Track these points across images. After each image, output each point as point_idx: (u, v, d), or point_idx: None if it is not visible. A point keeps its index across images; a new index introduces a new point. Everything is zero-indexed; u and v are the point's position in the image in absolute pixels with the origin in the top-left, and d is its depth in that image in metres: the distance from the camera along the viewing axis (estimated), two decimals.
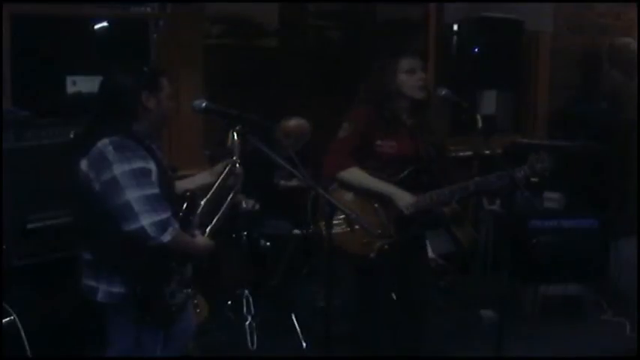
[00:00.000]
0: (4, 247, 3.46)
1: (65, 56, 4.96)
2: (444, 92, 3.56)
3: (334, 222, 3.35)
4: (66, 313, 3.52)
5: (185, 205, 2.90)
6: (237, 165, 3.01)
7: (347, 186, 3.59)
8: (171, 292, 2.81)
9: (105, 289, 2.77)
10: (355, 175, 3.57)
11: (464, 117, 3.68)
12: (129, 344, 2.87)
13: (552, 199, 5.31)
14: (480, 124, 3.49)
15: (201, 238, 2.92)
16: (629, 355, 4.37)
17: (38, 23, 4.83)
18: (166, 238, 2.66)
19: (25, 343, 3.41)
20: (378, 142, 3.58)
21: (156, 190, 2.68)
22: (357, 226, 3.51)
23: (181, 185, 3.09)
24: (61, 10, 4.80)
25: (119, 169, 2.64)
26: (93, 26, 5.23)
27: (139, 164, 2.67)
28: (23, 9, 4.51)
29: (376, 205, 3.58)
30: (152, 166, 2.72)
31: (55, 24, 4.96)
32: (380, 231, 3.54)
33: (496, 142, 4.70)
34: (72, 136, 3.59)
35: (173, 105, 2.95)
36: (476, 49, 5.54)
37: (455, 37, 5.67)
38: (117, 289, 2.76)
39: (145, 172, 2.68)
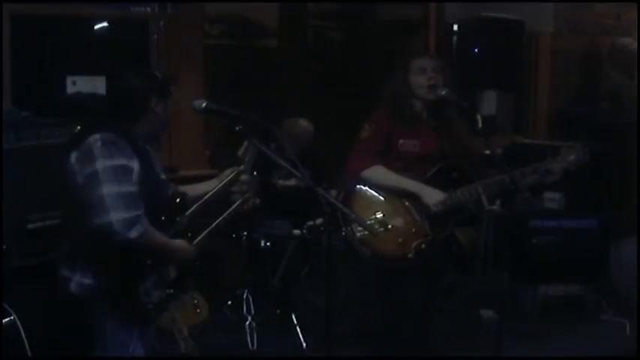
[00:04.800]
0: (4, 247, 3.46)
1: (65, 56, 4.97)
2: (444, 92, 3.57)
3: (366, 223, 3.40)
4: (66, 313, 3.52)
5: (173, 205, 2.97)
6: (245, 174, 3.06)
7: (373, 185, 3.58)
8: (145, 290, 2.84)
9: (78, 281, 2.82)
10: (380, 173, 3.56)
11: (464, 117, 3.67)
12: (106, 337, 2.90)
13: (552, 199, 5.31)
14: (479, 124, 3.49)
15: (180, 242, 2.92)
16: (629, 355, 4.37)
17: (38, 23, 4.84)
18: (132, 234, 2.69)
19: (25, 343, 3.41)
20: (401, 142, 3.58)
21: (132, 189, 2.72)
22: (390, 226, 3.51)
23: (189, 189, 3.14)
24: (61, 10, 4.81)
25: (101, 164, 2.69)
26: (93, 26, 5.24)
27: (121, 161, 2.72)
28: (23, 9, 4.52)
29: (407, 204, 3.57)
30: (135, 165, 2.76)
31: (55, 24, 4.97)
32: (414, 229, 3.54)
33: (496, 142, 4.70)
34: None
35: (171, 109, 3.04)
36: (476, 49, 5.54)
37: (455, 37, 5.67)
38: (88, 281, 2.81)
39: (125, 170, 2.72)
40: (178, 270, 2.98)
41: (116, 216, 2.66)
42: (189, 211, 3.01)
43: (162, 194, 3.00)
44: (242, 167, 3.07)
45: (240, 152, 3.05)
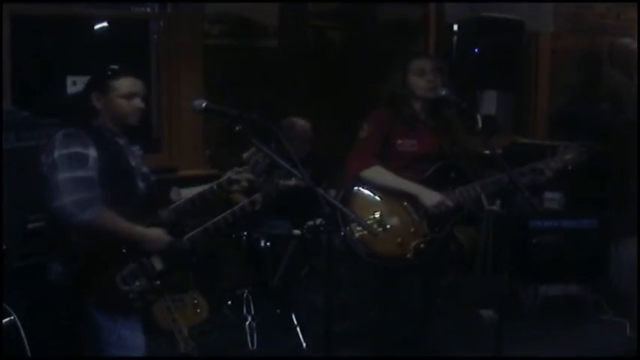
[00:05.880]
0: (4, 247, 3.46)
1: (65, 56, 4.97)
2: (444, 92, 3.57)
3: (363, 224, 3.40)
4: (66, 313, 3.52)
5: (152, 199, 3.09)
6: (242, 173, 3.09)
7: (372, 185, 3.59)
8: (123, 278, 2.91)
9: (55, 269, 2.95)
10: (379, 173, 3.58)
11: (464, 117, 3.68)
12: (93, 325, 2.96)
13: (552, 199, 5.31)
14: (479, 124, 3.49)
15: (149, 230, 2.99)
16: (629, 355, 4.37)
17: (38, 23, 4.84)
18: (86, 216, 2.82)
19: (25, 343, 3.41)
20: (399, 142, 3.60)
21: (85, 174, 2.86)
22: (389, 226, 3.51)
23: (190, 192, 3.18)
24: (61, 10, 4.81)
25: (57, 153, 2.88)
26: (93, 26, 5.23)
27: (75, 149, 2.87)
28: (23, 9, 4.52)
29: (406, 204, 3.58)
30: (91, 152, 2.90)
31: (55, 24, 4.97)
32: (412, 229, 3.55)
33: (496, 142, 4.70)
34: None
35: (133, 104, 3.02)
36: (476, 49, 5.53)
37: (455, 37, 5.66)
38: (60, 268, 2.94)
39: (78, 157, 2.87)
40: (165, 262, 3.02)
41: (68, 198, 2.81)
42: (173, 205, 3.08)
43: (136, 186, 3.08)
44: (243, 168, 3.09)
45: (245, 155, 3.07)
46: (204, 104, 2.95)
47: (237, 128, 2.88)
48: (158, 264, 3.02)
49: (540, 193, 5.23)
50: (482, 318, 4.86)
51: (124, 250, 2.94)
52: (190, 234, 3.13)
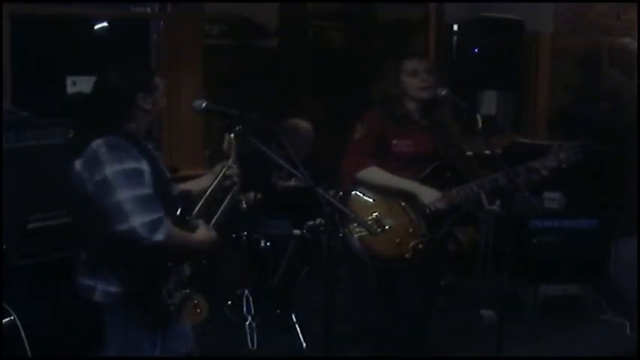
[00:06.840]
0: (4, 247, 3.46)
1: (65, 56, 4.98)
2: (444, 92, 3.57)
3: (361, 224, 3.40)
4: (66, 313, 3.52)
5: (181, 205, 2.90)
6: (233, 167, 3.00)
7: (368, 186, 3.59)
8: (168, 291, 2.80)
9: (102, 289, 2.74)
10: (376, 173, 3.57)
11: (464, 117, 3.68)
12: (126, 346, 2.83)
13: (552, 199, 5.32)
14: (480, 124, 3.50)
15: (201, 231, 2.86)
16: (629, 355, 4.37)
17: (38, 23, 4.84)
18: (159, 237, 2.62)
19: (25, 343, 3.41)
20: (394, 142, 3.59)
21: (147, 191, 2.65)
22: (387, 227, 3.51)
23: (185, 187, 3.07)
24: (61, 10, 4.81)
25: (111, 170, 2.61)
26: (93, 26, 5.24)
27: (131, 164, 2.64)
28: (23, 9, 4.52)
29: (404, 204, 3.57)
30: (145, 166, 2.69)
31: (55, 24, 4.97)
32: (411, 230, 3.55)
33: (496, 142, 4.71)
34: (71, 136, 3.59)
35: (165, 101, 2.89)
36: (476, 49, 5.53)
37: (455, 37, 5.66)
38: (114, 288, 2.73)
39: (137, 173, 2.65)
40: (191, 267, 2.93)
41: (138, 220, 2.58)
42: (196, 210, 2.96)
43: (171, 194, 2.93)
44: (230, 161, 2.99)
45: (225, 146, 2.98)
46: (204, 104, 2.94)
47: (237, 128, 2.88)
48: (187, 270, 2.92)
49: (540, 193, 5.23)
50: (483, 318, 4.87)
51: (169, 263, 2.80)
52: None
